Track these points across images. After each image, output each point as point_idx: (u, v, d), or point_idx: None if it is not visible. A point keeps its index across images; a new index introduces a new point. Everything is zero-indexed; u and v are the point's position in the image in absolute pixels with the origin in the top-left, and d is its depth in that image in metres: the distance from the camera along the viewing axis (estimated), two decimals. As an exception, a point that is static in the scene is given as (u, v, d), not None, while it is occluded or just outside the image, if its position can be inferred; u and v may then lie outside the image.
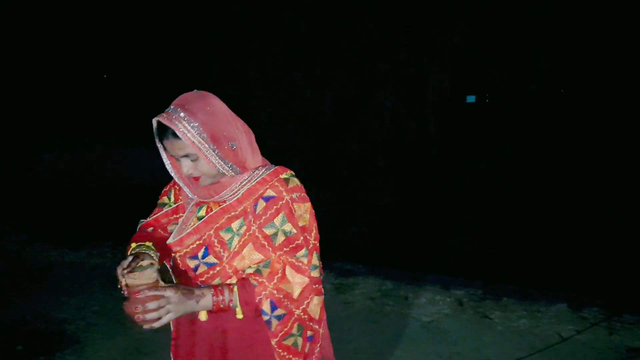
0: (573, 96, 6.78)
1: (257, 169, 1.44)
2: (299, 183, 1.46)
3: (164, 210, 1.58)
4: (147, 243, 1.46)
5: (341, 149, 6.99)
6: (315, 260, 1.46)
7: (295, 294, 1.40)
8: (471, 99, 8.77)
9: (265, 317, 1.38)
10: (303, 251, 1.43)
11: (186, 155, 1.32)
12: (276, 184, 1.42)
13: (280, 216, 1.40)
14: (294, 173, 1.48)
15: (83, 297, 4.18)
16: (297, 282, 1.41)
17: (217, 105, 1.35)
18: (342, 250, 5.03)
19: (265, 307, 1.37)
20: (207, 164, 1.33)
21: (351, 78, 6.97)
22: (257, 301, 1.37)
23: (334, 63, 6.94)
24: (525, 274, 4.24)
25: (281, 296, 1.39)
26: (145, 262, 1.30)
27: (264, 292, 1.37)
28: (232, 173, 1.38)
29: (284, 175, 1.44)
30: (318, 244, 1.50)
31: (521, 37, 6.64)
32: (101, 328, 3.58)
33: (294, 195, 1.43)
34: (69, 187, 7.28)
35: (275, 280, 1.40)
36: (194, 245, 1.43)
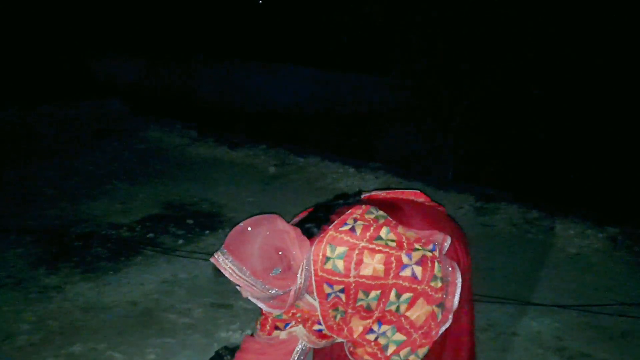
0: None
1: (299, 271, 1.51)
2: (341, 247, 1.48)
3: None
4: None
5: (496, 75, 6.60)
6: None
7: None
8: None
9: None
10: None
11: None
12: (327, 277, 1.50)
13: (360, 294, 1.51)
14: (330, 242, 1.49)
15: (239, 189, 4.65)
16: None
17: (262, 240, 1.47)
18: (486, 176, 4.91)
19: None
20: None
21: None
22: None
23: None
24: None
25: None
26: None
27: None
28: (280, 293, 1.52)
29: (327, 265, 1.49)
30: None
31: None
32: (254, 214, 3.98)
33: (353, 273, 1.47)
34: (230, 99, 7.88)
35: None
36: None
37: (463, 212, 4.22)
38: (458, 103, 6.47)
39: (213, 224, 3.87)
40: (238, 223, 1.53)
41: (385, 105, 7.32)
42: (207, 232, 3.73)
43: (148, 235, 3.67)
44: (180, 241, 3.58)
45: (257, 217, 1.54)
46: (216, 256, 1.51)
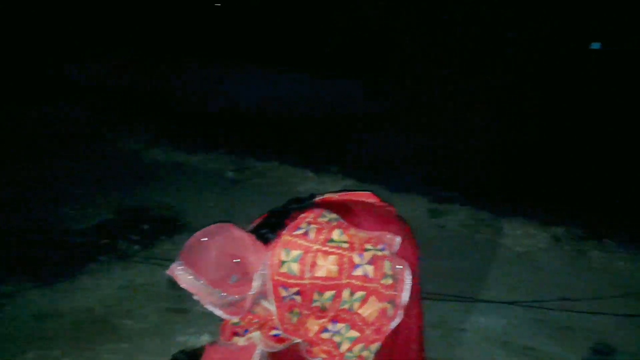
0: None
1: (257, 272, 1.53)
2: (296, 251, 1.52)
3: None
4: None
5: (445, 79, 6.83)
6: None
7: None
8: (596, 45, 8.36)
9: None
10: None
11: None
12: (283, 280, 1.52)
13: (315, 295, 1.54)
14: (285, 246, 1.52)
15: (197, 194, 4.63)
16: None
17: (218, 250, 1.48)
18: (439, 178, 5.06)
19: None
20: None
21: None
22: None
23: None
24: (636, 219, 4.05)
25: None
26: None
27: None
28: (238, 299, 1.53)
29: (282, 269, 1.52)
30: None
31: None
32: (215, 220, 3.98)
33: (307, 275, 1.51)
34: (194, 102, 7.86)
35: None
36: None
37: (417, 215, 4.33)
38: (414, 109, 6.65)
39: (170, 229, 3.85)
40: (196, 228, 1.54)
41: (344, 110, 7.44)
42: (163, 237, 3.70)
43: (103, 241, 3.62)
44: (137, 247, 3.55)
45: (211, 226, 1.56)
46: (172, 268, 1.52)
